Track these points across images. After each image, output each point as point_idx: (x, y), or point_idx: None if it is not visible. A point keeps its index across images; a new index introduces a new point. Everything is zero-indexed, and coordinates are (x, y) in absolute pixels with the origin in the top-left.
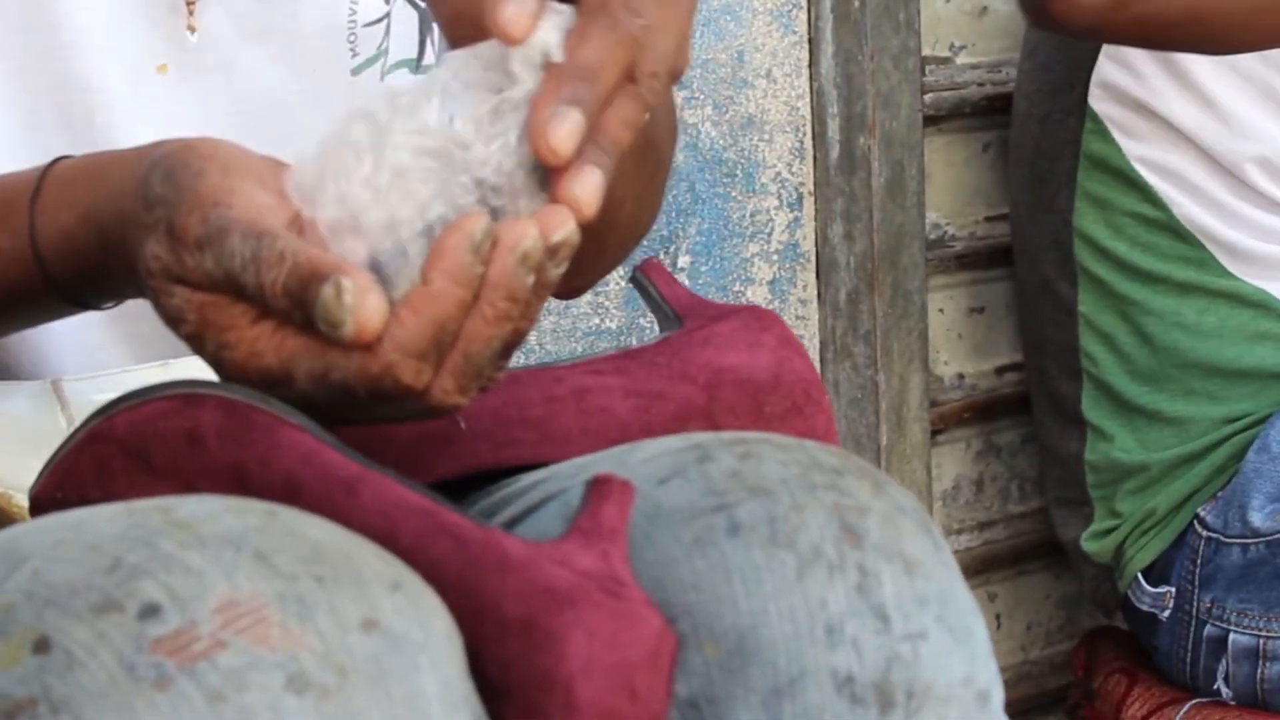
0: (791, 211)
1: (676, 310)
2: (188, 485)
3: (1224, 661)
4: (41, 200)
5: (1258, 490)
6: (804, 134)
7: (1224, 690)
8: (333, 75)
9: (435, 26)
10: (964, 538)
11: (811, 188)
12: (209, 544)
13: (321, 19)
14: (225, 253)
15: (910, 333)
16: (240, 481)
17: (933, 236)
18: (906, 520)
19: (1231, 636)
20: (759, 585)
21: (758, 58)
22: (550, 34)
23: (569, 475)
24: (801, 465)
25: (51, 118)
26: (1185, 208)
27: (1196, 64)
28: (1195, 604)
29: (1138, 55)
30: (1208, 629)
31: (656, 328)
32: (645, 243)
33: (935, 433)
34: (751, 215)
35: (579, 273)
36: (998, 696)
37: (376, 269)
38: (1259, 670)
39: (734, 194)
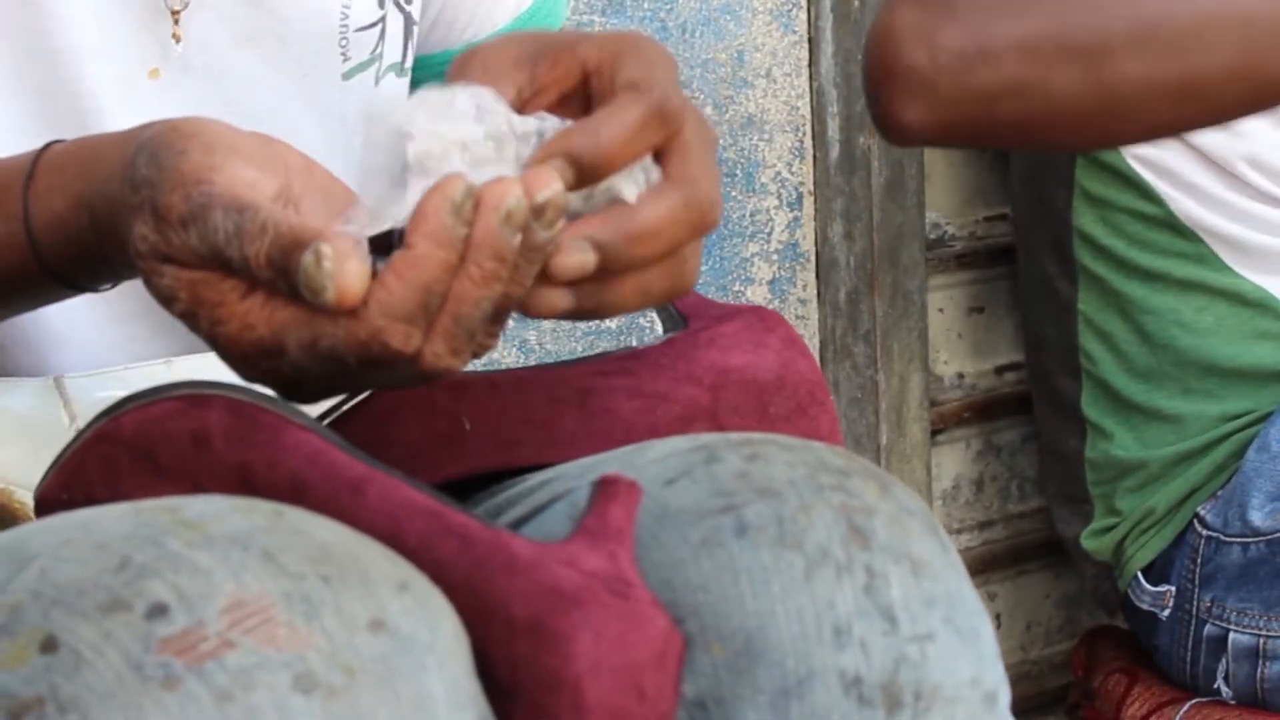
0: (791, 211)
1: (680, 311)
2: (194, 485)
3: (1224, 661)
4: (34, 185)
5: (1258, 489)
6: (804, 134)
7: (1224, 689)
8: (324, 80)
9: (415, 31)
10: (964, 537)
11: (811, 187)
12: (216, 544)
13: (312, 24)
14: (209, 228)
15: (910, 332)
16: (247, 482)
17: (933, 236)
18: (913, 521)
19: (1231, 636)
20: (766, 586)
21: (758, 57)
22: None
23: (575, 476)
24: (809, 466)
25: (42, 122)
26: (1182, 203)
27: None
28: (1195, 603)
29: None
30: (1208, 628)
31: (656, 327)
32: None
33: (935, 432)
34: (751, 215)
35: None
36: (1005, 697)
37: None
38: (1259, 669)
39: (734, 194)
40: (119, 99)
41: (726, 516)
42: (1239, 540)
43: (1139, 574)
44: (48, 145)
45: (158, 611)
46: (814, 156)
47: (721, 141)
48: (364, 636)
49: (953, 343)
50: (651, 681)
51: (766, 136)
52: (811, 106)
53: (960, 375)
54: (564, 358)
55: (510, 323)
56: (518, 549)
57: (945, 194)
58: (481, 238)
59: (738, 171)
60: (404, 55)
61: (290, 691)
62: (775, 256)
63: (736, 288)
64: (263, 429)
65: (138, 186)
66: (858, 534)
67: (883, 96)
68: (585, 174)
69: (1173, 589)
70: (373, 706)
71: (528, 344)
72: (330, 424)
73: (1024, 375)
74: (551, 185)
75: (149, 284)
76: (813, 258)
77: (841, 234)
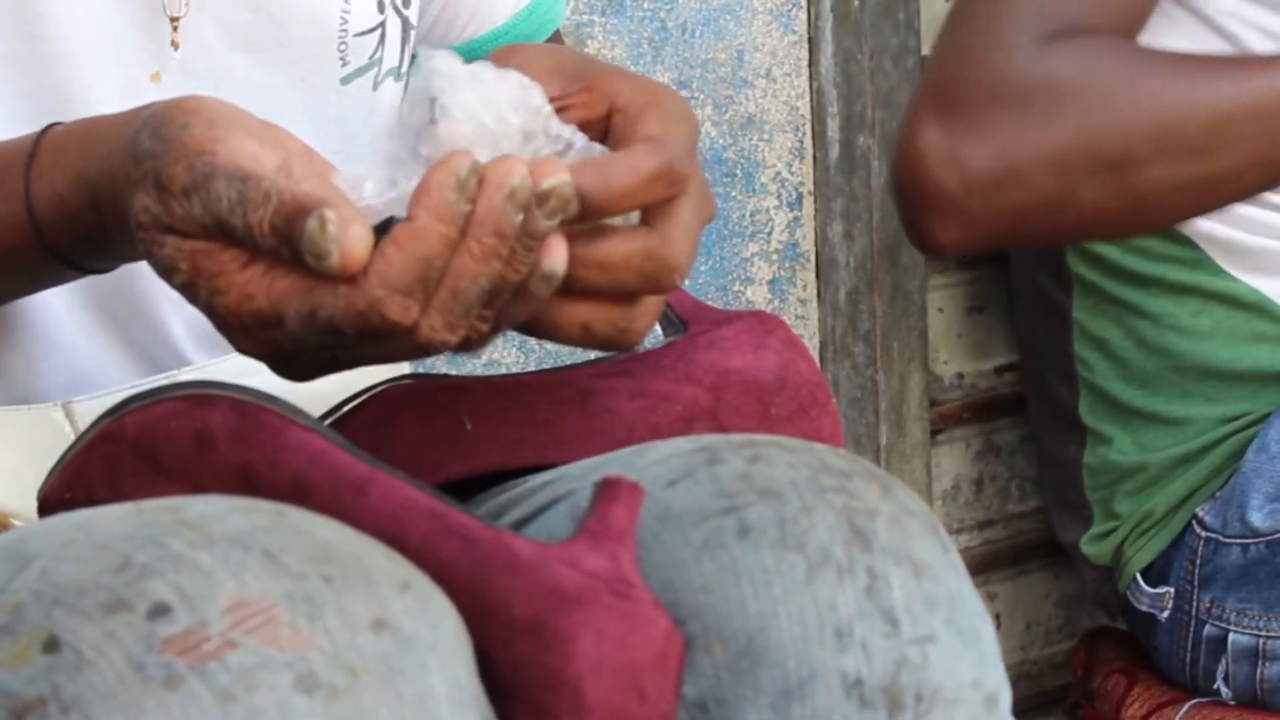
0: (791, 211)
1: (681, 315)
2: (196, 486)
3: (1223, 661)
4: (36, 164)
5: (1257, 490)
6: (804, 134)
7: (1223, 690)
8: (322, 84)
9: (413, 36)
10: (964, 537)
11: (811, 187)
12: (218, 544)
13: (311, 28)
14: (212, 197)
15: (910, 332)
16: (249, 482)
17: None
18: (915, 523)
19: (1231, 636)
20: (768, 587)
21: (757, 57)
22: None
23: (577, 477)
24: (810, 468)
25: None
26: None
27: None
28: (1194, 604)
29: None
30: (1207, 629)
31: (657, 327)
32: None
33: (935, 432)
34: (751, 215)
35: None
36: (1006, 699)
37: None
38: (1258, 670)
39: (734, 194)
40: (116, 103)
41: (728, 518)
42: (1238, 541)
43: (1138, 575)
44: (49, 126)
45: (159, 611)
46: (814, 156)
47: (721, 141)
48: (366, 636)
49: (952, 343)
50: (652, 682)
51: (766, 136)
52: (811, 106)
53: (960, 375)
54: (564, 359)
55: None
56: (519, 549)
57: None
58: (484, 213)
59: (737, 171)
60: (401, 59)
61: (292, 691)
62: (775, 256)
63: (736, 288)
64: (265, 429)
65: (140, 160)
66: (859, 535)
67: (915, 218)
68: (587, 212)
69: (1172, 590)
70: (375, 706)
71: (528, 344)
72: (332, 424)
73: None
74: (558, 175)
75: (150, 256)
76: (813, 258)
77: (841, 234)
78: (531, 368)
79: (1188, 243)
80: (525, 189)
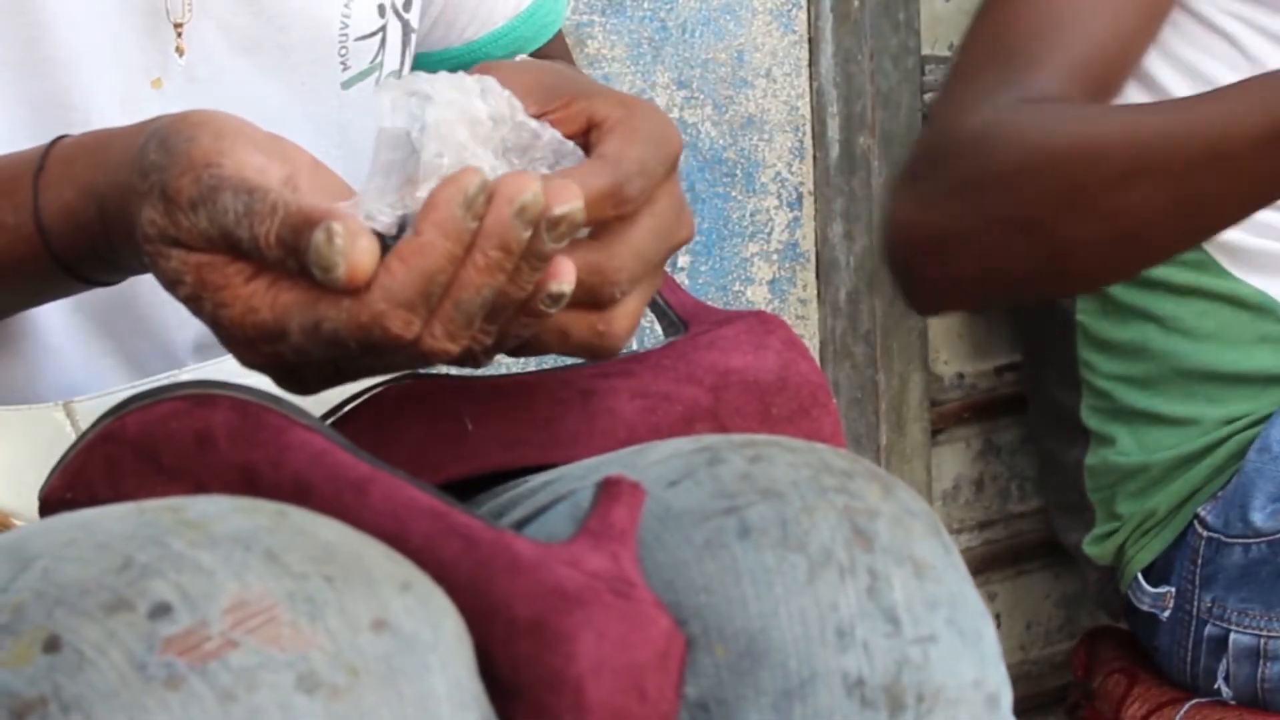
0: (791, 211)
1: (681, 316)
2: (198, 486)
3: (1224, 661)
4: (44, 176)
5: (1258, 490)
6: (804, 134)
7: (1224, 690)
8: (323, 89)
9: (413, 39)
10: (964, 537)
11: (811, 187)
12: (219, 543)
13: (312, 32)
14: (219, 209)
15: (910, 333)
16: (250, 482)
17: None
18: (916, 523)
19: (1232, 636)
20: (769, 588)
21: (757, 57)
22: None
23: (578, 476)
24: (812, 468)
25: (31, 133)
26: None
27: (1170, 79)
28: (1196, 604)
29: None
30: (1208, 629)
31: (657, 327)
32: None
33: (935, 432)
34: (751, 215)
35: None
36: (1007, 699)
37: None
38: (1259, 670)
39: (734, 194)
40: (117, 109)
41: (729, 518)
42: (1240, 541)
43: (1139, 575)
44: (58, 139)
45: (161, 611)
46: (814, 156)
47: (721, 141)
48: (367, 636)
49: (953, 343)
50: (653, 682)
51: (766, 136)
52: (811, 106)
53: (960, 375)
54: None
55: None
56: (521, 549)
57: None
58: (491, 226)
59: (737, 171)
60: (402, 63)
61: (293, 691)
62: (775, 256)
63: (736, 288)
64: (267, 429)
65: (147, 172)
66: (860, 536)
67: (900, 287)
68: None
69: (1173, 590)
70: (376, 706)
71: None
72: (334, 424)
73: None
74: (573, 201)
75: (155, 269)
76: (813, 258)
77: (841, 234)
78: (532, 368)
79: None
80: (535, 206)
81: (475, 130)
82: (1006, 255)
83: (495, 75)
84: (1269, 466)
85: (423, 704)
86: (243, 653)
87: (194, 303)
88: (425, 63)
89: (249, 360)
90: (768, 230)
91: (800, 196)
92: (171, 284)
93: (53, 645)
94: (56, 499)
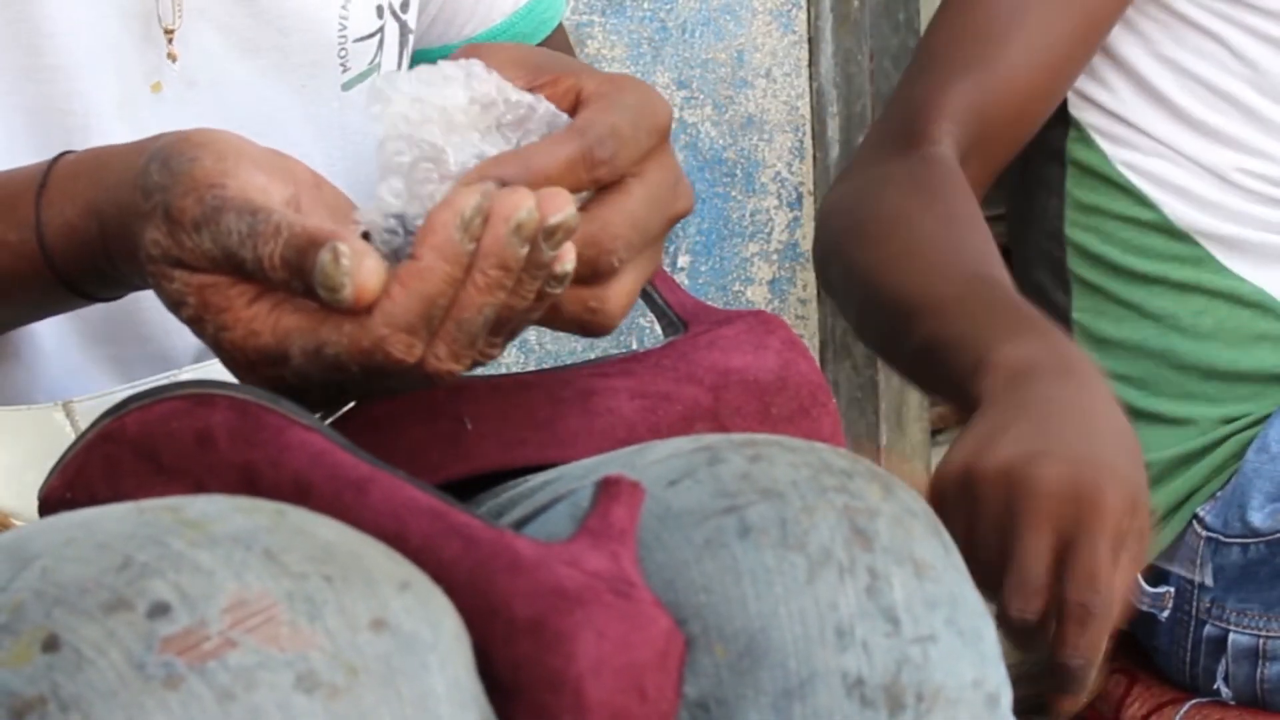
0: (791, 211)
1: (681, 315)
2: (197, 485)
3: (1223, 661)
4: (47, 194)
5: (1257, 490)
6: (804, 134)
7: (1224, 690)
8: (323, 90)
9: (410, 40)
10: None
11: (811, 187)
12: (219, 543)
13: (311, 35)
14: (222, 230)
15: None
16: (250, 482)
17: None
18: (916, 523)
19: (1231, 636)
20: (769, 587)
21: (757, 57)
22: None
23: (578, 476)
24: (812, 467)
25: (28, 139)
26: (1176, 207)
27: (1160, 78)
28: (1195, 604)
29: (1105, 68)
30: (1207, 629)
31: (657, 327)
32: None
33: (935, 432)
34: (751, 215)
35: None
36: (1007, 699)
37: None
38: (1259, 670)
39: (734, 194)
40: (116, 115)
41: (729, 517)
42: (1239, 541)
43: (1138, 575)
44: (60, 155)
45: (160, 611)
46: (814, 156)
47: (721, 141)
48: (366, 636)
49: None
50: (653, 682)
51: (766, 136)
52: (811, 106)
53: None
54: (564, 358)
55: None
56: (521, 549)
57: None
58: (489, 246)
59: (737, 171)
60: (399, 64)
61: (292, 691)
62: (775, 256)
63: (736, 287)
64: (266, 429)
65: (150, 193)
66: (860, 535)
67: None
68: None
69: (1172, 590)
70: (375, 706)
71: (528, 344)
72: (333, 424)
73: None
74: (565, 209)
75: (158, 289)
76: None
77: None
78: (531, 367)
79: (1189, 240)
80: (531, 222)
81: (451, 118)
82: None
83: (481, 57)
84: (1268, 466)
85: (422, 703)
86: (242, 652)
87: (196, 324)
88: (424, 59)
89: (252, 382)
90: (768, 230)
91: (800, 196)
92: (174, 305)
93: (52, 644)
94: (56, 499)
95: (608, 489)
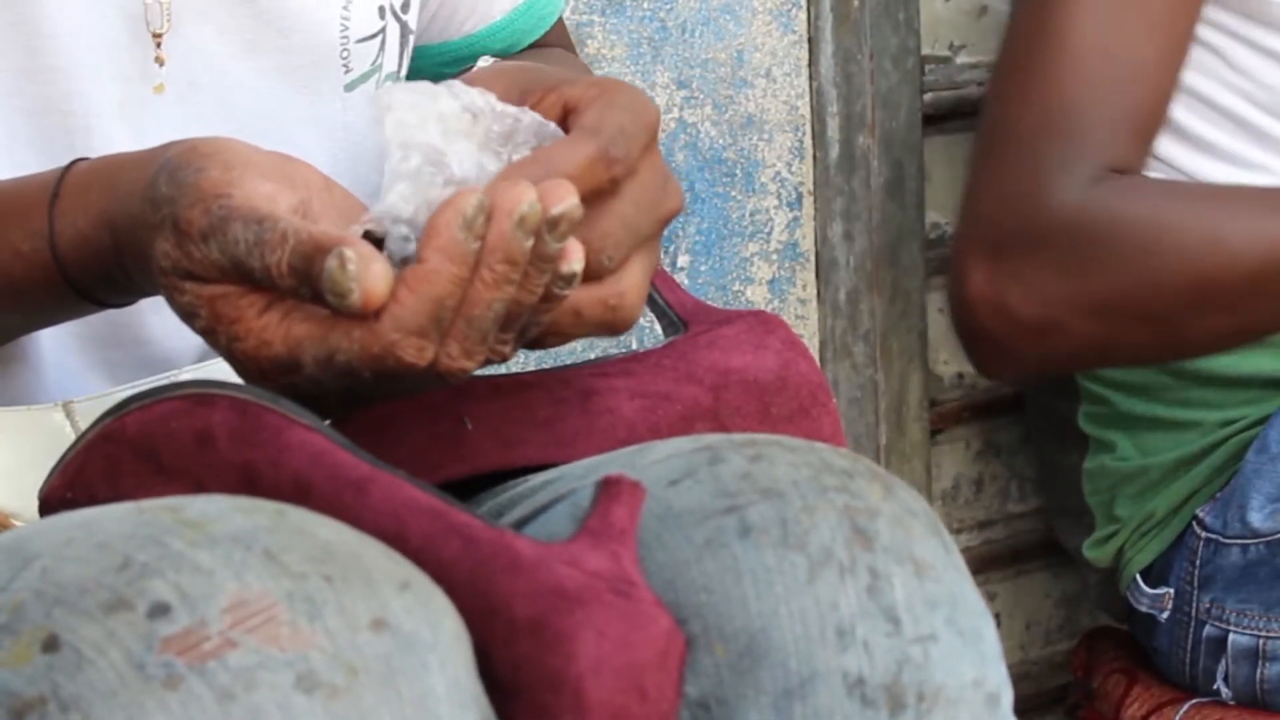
0: (791, 211)
1: (681, 315)
2: (197, 485)
3: (1223, 662)
4: (60, 205)
5: (1257, 491)
6: (804, 134)
7: (1223, 690)
8: (325, 91)
9: (411, 40)
10: (963, 537)
11: (811, 187)
12: (219, 543)
13: (312, 36)
14: (229, 240)
15: (910, 332)
16: (250, 482)
17: (932, 236)
18: (916, 523)
19: (1231, 637)
20: (770, 587)
21: (757, 57)
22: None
23: (578, 476)
24: (812, 467)
25: (29, 141)
26: None
27: None
28: (1194, 605)
29: None
30: (1207, 629)
31: (657, 327)
32: None
33: (935, 432)
34: (751, 215)
35: None
36: (1007, 698)
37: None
38: (1258, 670)
39: (733, 193)
40: (117, 115)
41: (730, 517)
42: (1238, 542)
43: (1138, 576)
44: (73, 164)
45: (160, 611)
46: (814, 156)
47: (721, 141)
48: (366, 636)
49: (953, 343)
50: (653, 681)
51: (766, 136)
52: (811, 106)
53: (960, 375)
54: (565, 359)
55: None
56: (521, 549)
57: (945, 194)
58: (494, 241)
59: (737, 171)
60: (400, 65)
61: (292, 691)
62: (775, 256)
63: (736, 287)
64: (266, 429)
65: (158, 205)
66: (861, 535)
67: (974, 357)
68: None
69: (1171, 591)
70: (375, 706)
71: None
72: (333, 424)
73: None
74: (568, 199)
75: (171, 301)
76: (812, 258)
77: (841, 234)
78: (531, 367)
79: None
80: (535, 215)
81: (447, 125)
82: (1118, 339)
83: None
84: (1267, 467)
85: (422, 703)
86: (241, 652)
87: (209, 335)
88: (424, 56)
89: (266, 390)
90: (767, 230)
91: (800, 196)
92: (187, 317)
93: (51, 645)
94: (56, 499)
95: (608, 489)
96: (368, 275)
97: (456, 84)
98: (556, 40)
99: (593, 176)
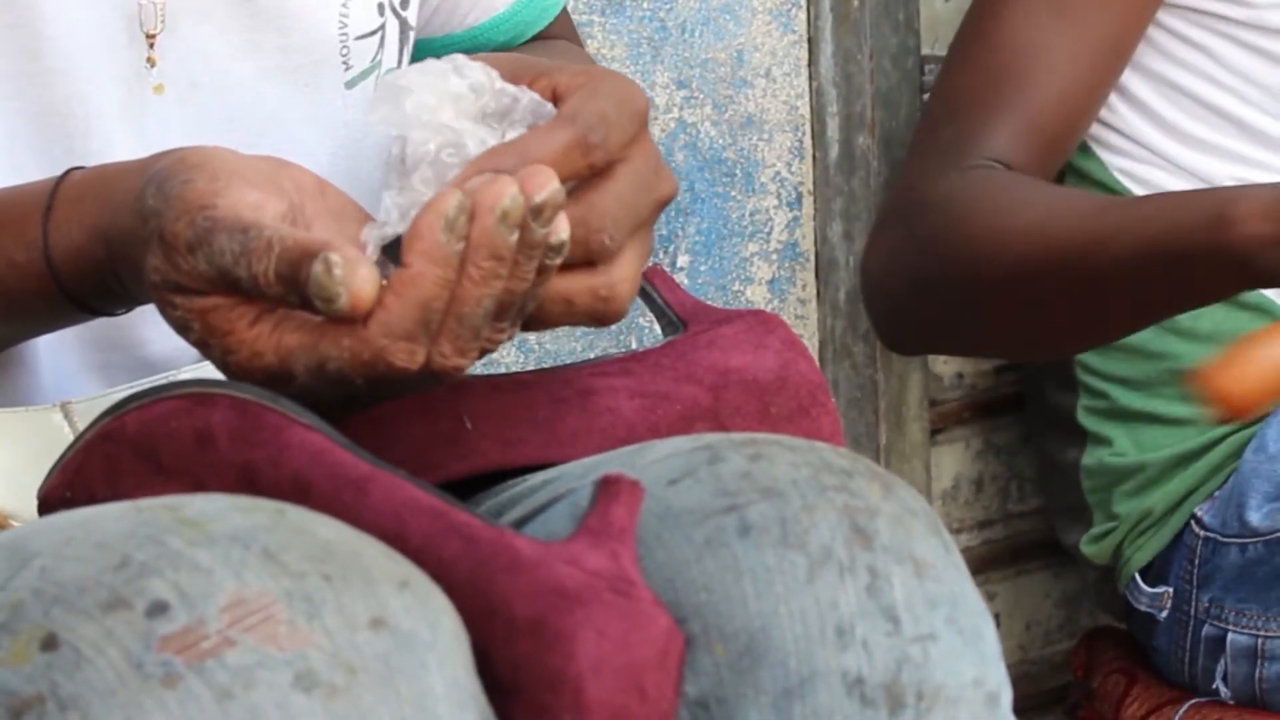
0: (791, 211)
1: (680, 315)
2: (197, 485)
3: (1222, 661)
4: (54, 216)
5: (1255, 490)
6: (803, 133)
7: (1223, 690)
8: (326, 90)
9: (411, 36)
10: (963, 537)
11: (811, 187)
12: (217, 542)
13: (312, 34)
14: (215, 251)
15: None
16: (250, 481)
17: None
18: (916, 522)
19: (1230, 636)
20: (769, 586)
21: (757, 57)
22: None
23: (578, 475)
24: (812, 467)
25: (29, 143)
26: None
27: (1148, 94)
28: (1193, 604)
29: None
30: (1206, 629)
31: (657, 326)
32: None
33: (934, 432)
34: (751, 215)
35: None
36: (1007, 698)
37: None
38: (1257, 670)
39: (733, 193)
40: (118, 116)
41: (730, 516)
42: (1237, 541)
43: (1136, 575)
44: (66, 173)
45: (158, 609)
46: (814, 156)
47: (721, 141)
48: (365, 635)
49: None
50: (653, 681)
51: (766, 136)
52: (811, 106)
53: (960, 375)
54: (564, 358)
55: None
56: (520, 548)
57: None
58: (478, 238)
59: (737, 171)
60: (399, 61)
61: (291, 690)
62: (775, 256)
63: (736, 287)
64: (266, 428)
65: (147, 218)
66: (860, 534)
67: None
68: None
69: (1170, 590)
70: (374, 705)
71: (527, 344)
72: (333, 423)
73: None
74: (549, 186)
75: (164, 314)
76: (812, 258)
77: (841, 234)
78: (531, 367)
79: None
80: (517, 208)
81: (459, 105)
82: (956, 316)
83: None
84: (1265, 466)
85: (420, 703)
86: (240, 651)
87: (203, 348)
88: (427, 50)
89: None
90: (767, 230)
91: (800, 196)
92: (181, 330)
93: (50, 643)
94: (55, 498)
95: (607, 488)
96: (354, 279)
97: (460, 58)
98: (561, 32)
99: (570, 163)
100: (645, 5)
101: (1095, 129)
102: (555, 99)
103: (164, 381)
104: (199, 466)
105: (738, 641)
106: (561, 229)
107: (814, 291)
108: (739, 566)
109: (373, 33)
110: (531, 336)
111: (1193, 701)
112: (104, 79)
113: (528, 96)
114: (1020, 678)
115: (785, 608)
